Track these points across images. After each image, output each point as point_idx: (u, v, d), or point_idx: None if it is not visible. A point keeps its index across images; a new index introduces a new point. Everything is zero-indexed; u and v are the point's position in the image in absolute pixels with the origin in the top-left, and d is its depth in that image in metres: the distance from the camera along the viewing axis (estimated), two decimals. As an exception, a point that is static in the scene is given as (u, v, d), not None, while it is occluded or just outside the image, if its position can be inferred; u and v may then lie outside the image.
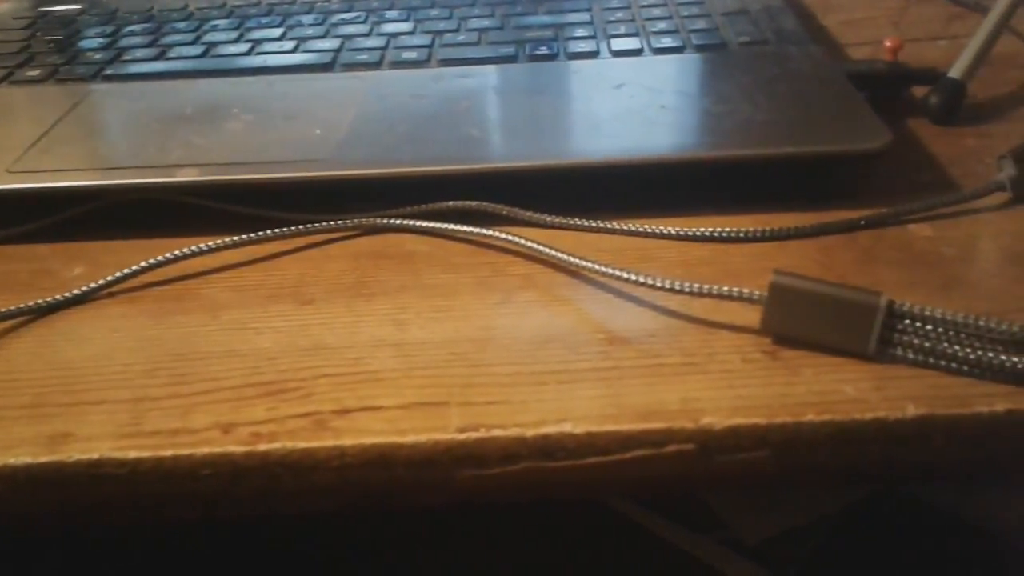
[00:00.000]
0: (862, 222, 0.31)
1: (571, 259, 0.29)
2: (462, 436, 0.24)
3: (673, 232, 0.31)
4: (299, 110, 0.38)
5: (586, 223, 0.32)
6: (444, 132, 0.35)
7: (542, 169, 0.32)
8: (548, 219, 0.33)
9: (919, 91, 0.40)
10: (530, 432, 0.24)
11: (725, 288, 0.26)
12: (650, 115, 0.35)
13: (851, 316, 0.25)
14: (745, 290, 0.26)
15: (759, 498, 0.37)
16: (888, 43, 0.40)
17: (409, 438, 0.24)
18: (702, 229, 0.31)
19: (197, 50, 0.46)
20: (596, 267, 0.29)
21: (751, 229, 0.31)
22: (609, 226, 0.32)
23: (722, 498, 0.38)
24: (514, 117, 0.36)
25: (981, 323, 0.24)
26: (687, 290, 0.27)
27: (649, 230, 0.32)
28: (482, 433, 0.24)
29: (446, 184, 0.33)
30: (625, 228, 0.32)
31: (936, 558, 0.35)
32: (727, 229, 0.31)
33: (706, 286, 0.27)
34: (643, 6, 0.47)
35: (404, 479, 0.24)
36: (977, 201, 0.32)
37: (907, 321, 0.25)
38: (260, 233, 0.32)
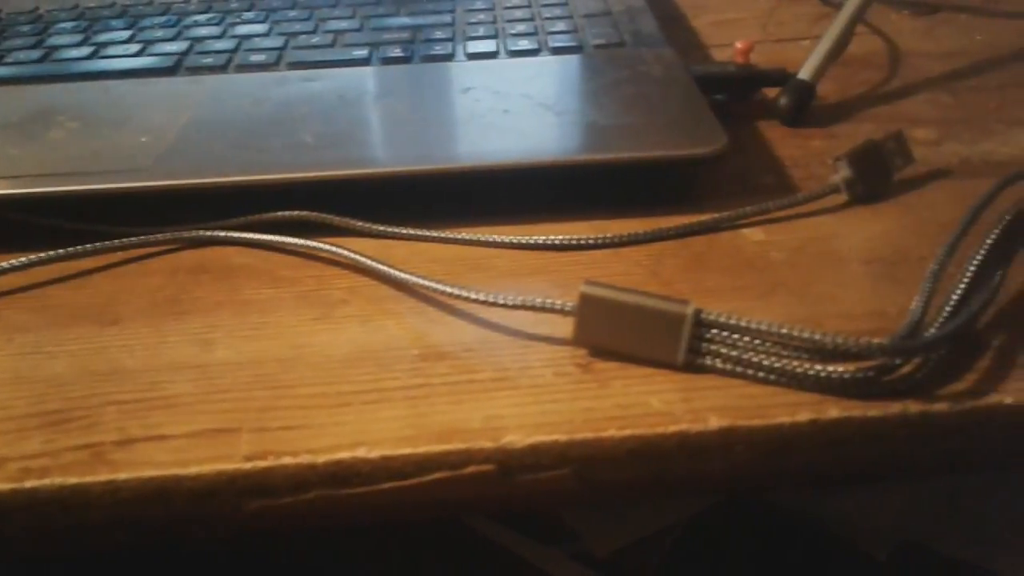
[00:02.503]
0: (695, 227, 0.31)
1: (392, 271, 0.28)
2: (248, 465, 0.22)
3: (505, 241, 0.31)
4: (129, 117, 0.36)
5: (420, 232, 0.31)
6: (276, 139, 0.34)
7: (369, 177, 0.31)
8: (381, 229, 0.31)
9: (774, 93, 0.40)
10: (321, 459, 0.22)
11: (537, 300, 0.26)
12: (492, 120, 0.34)
13: (659, 326, 0.24)
14: (557, 302, 0.25)
15: (609, 508, 0.37)
16: (739, 45, 0.40)
17: (191, 469, 0.22)
18: (534, 238, 0.30)
19: (36, 54, 0.43)
20: (415, 280, 0.28)
21: (583, 237, 0.30)
22: (443, 235, 0.31)
23: (572, 510, 0.37)
24: (352, 123, 0.35)
25: (784, 331, 0.24)
26: (501, 302, 0.26)
27: (482, 239, 0.31)
28: (270, 461, 0.22)
29: (274, 194, 0.32)
30: (458, 237, 0.31)
31: (785, 562, 0.35)
32: (559, 237, 0.30)
33: (519, 298, 0.26)
34: (507, 7, 0.46)
35: (186, 513, 0.22)
36: (814, 203, 0.32)
37: (714, 330, 0.24)
38: (71, 249, 0.30)
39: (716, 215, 0.31)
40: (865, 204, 0.32)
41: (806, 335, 0.23)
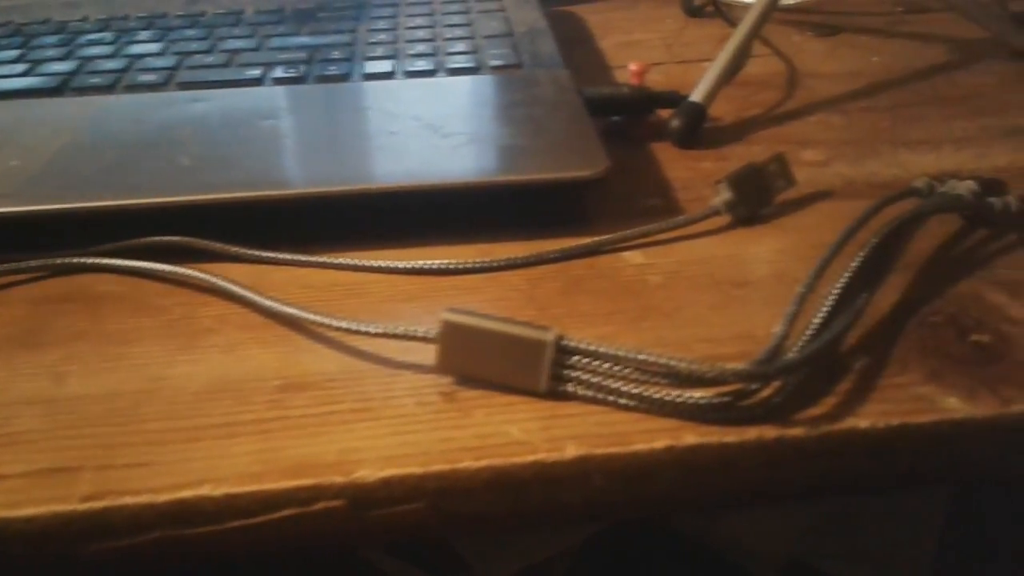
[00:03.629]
0: (575, 251, 0.31)
1: (258, 299, 0.28)
2: (84, 506, 0.21)
3: (382, 266, 0.30)
4: (4, 140, 0.35)
5: (296, 257, 0.31)
6: (152, 161, 0.33)
7: (241, 201, 0.30)
8: (256, 254, 0.31)
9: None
10: (162, 498, 0.22)
11: (400, 328, 0.25)
12: (377, 142, 0.34)
13: (521, 353, 0.24)
14: (420, 329, 0.25)
15: (501, 535, 0.36)
16: (633, 67, 0.40)
17: (25, 511, 0.21)
18: (412, 262, 0.30)
19: (-84, 73, 0.42)
20: (282, 308, 0.27)
21: (460, 261, 0.30)
22: (320, 260, 0.30)
23: (463, 538, 0.37)
24: (233, 145, 0.34)
25: (642, 357, 0.23)
26: (364, 330, 0.25)
27: (359, 264, 0.30)
28: (108, 502, 0.22)
29: (145, 218, 0.31)
30: (335, 262, 0.30)
31: (678, 585, 0.35)
32: (436, 262, 0.30)
33: (382, 326, 0.25)
34: (409, 27, 0.46)
35: (20, 556, 0.21)
36: (696, 226, 0.32)
37: (576, 357, 0.24)
38: (-73, 278, 0.29)
39: (598, 238, 0.31)
40: (747, 226, 0.33)
41: (663, 361, 0.23)
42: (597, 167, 0.32)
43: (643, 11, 0.57)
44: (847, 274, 0.26)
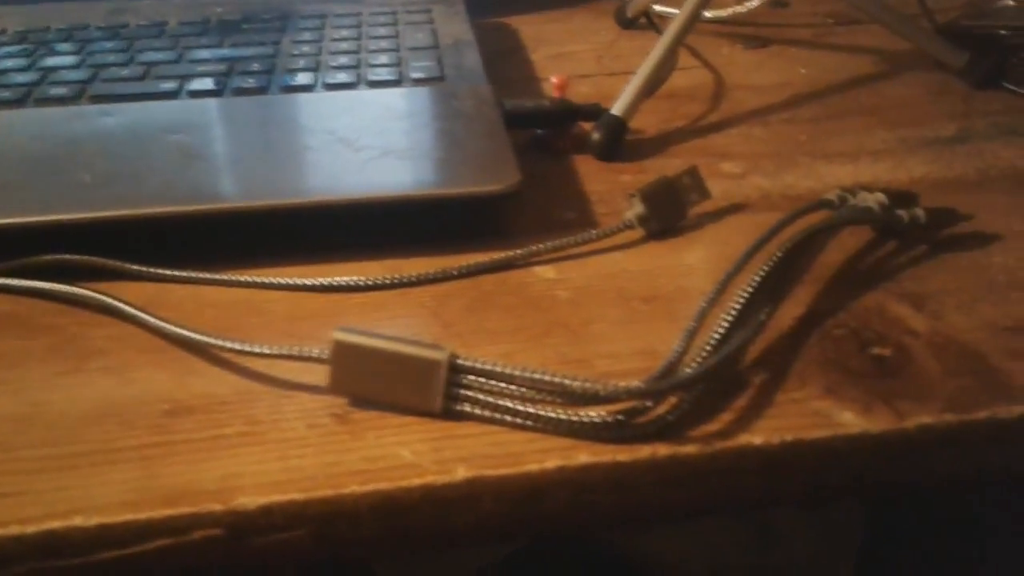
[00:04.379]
0: (485, 266, 0.30)
1: (149, 319, 0.27)
2: (-55, 540, 0.20)
3: (287, 283, 0.29)
4: (-101, 155, 0.34)
5: (197, 275, 0.30)
6: (52, 177, 0.32)
7: (139, 217, 0.30)
8: (156, 272, 0.30)
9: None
10: (31, 529, 0.21)
11: (294, 349, 0.24)
12: (288, 156, 0.33)
13: (415, 373, 0.24)
14: (314, 350, 0.24)
15: (421, 553, 0.35)
16: (555, 80, 0.40)
17: None
18: (317, 279, 0.29)
19: None
20: (172, 329, 0.26)
21: (367, 278, 0.29)
22: (221, 278, 0.30)
23: (381, 558, 0.36)
24: (138, 160, 0.33)
25: (536, 376, 0.23)
26: (256, 351, 0.25)
27: (262, 281, 0.29)
28: (-28, 534, 0.21)
29: (42, 236, 0.30)
30: (238, 280, 0.30)
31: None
32: (342, 279, 0.29)
33: (276, 347, 0.25)
34: (334, 39, 0.46)
35: None
36: (610, 240, 0.32)
37: (471, 376, 0.24)
38: None
39: (509, 253, 0.31)
40: (660, 240, 0.32)
41: (556, 380, 0.23)
42: (508, 182, 0.31)
43: (578, 23, 0.57)
44: (748, 288, 0.26)
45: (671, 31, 0.41)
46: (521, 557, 0.36)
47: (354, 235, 0.32)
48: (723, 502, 0.24)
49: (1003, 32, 0.45)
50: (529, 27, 0.56)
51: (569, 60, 0.51)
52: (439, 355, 0.23)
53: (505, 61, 0.51)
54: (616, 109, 0.39)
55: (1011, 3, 0.52)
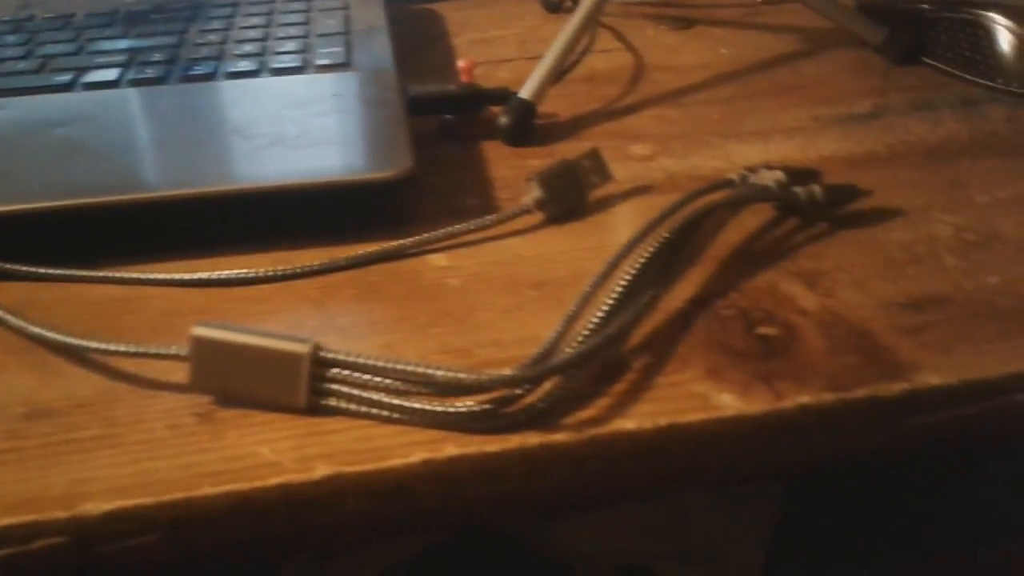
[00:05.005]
0: (375, 256, 0.29)
1: (12, 320, 0.26)
2: None
3: (165, 278, 0.28)
4: None
5: (71, 273, 0.29)
6: (-76, 176, 0.31)
7: (17, 213, 0.28)
8: (27, 270, 0.29)
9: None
10: None
11: (152, 348, 0.24)
12: (175, 147, 0.32)
13: (279, 368, 0.23)
14: (172, 348, 0.23)
15: (331, 550, 0.35)
16: (461, 64, 0.39)
17: None
18: (196, 274, 0.28)
19: None
20: (30, 329, 0.25)
21: (249, 271, 0.28)
22: (97, 275, 0.29)
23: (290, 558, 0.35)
24: (18, 155, 0.32)
25: (400, 367, 0.22)
26: (113, 350, 0.24)
27: (140, 277, 0.28)
28: None
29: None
30: (115, 276, 0.28)
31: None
32: (222, 273, 0.28)
33: (135, 346, 0.24)
34: (243, 27, 0.44)
35: None
36: (509, 225, 0.31)
37: (336, 369, 0.23)
38: None
39: (402, 241, 0.30)
40: (559, 224, 0.32)
41: (421, 370, 0.22)
42: (399, 168, 0.31)
43: (504, 8, 0.56)
44: (632, 271, 0.26)
45: (579, 13, 0.40)
46: (433, 553, 0.35)
47: (243, 227, 0.31)
48: (600, 490, 0.23)
49: (924, 7, 0.44)
50: (456, 13, 0.55)
51: (491, 45, 0.50)
52: (301, 348, 0.23)
53: (427, 47, 0.50)
54: (524, 93, 0.38)
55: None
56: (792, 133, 0.38)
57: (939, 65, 0.44)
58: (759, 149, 0.37)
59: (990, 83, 0.41)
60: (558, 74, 0.39)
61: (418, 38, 0.51)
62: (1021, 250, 0.29)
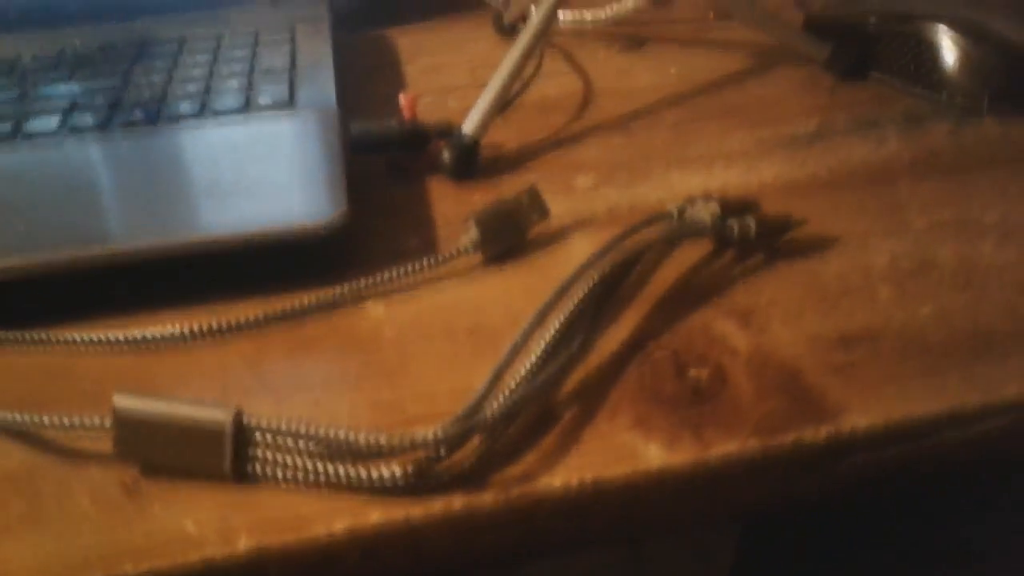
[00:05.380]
0: (311, 307, 0.29)
1: (-63, 393, 0.26)
2: None
3: (97, 339, 0.28)
4: None
5: (2, 336, 0.28)
6: None
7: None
8: (-40, 337, 0.28)
9: (450, 144, 0.39)
10: None
11: (77, 419, 0.23)
12: (101, 203, 0.32)
13: (203, 436, 0.23)
14: (95, 418, 0.23)
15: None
16: (403, 100, 0.39)
17: None
18: (130, 334, 0.28)
19: None
20: (-39, 401, 0.25)
21: (181, 329, 0.28)
22: (30, 337, 0.28)
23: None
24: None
25: (322, 432, 0.22)
26: (38, 423, 0.24)
27: (72, 339, 0.28)
28: None
29: None
30: (45, 339, 0.28)
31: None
32: (154, 331, 0.28)
33: (58, 417, 0.24)
34: (188, 66, 0.44)
35: None
36: (446, 267, 0.31)
37: (259, 435, 0.23)
38: None
39: (338, 290, 0.30)
40: (498, 264, 0.32)
41: (342, 435, 0.22)
42: (335, 216, 0.30)
43: (456, 32, 0.55)
44: (563, 318, 0.26)
45: (521, 42, 0.40)
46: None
47: (178, 281, 0.30)
48: (530, 547, 0.23)
49: (868, 21, 0.44)
50: (407, 39, 0.55)
51: (442, 72, 0.50)
52: (224, 417, 0.22)
53: (376, 76, 0.49)
54: (466, 127, 0.38)
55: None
56: (735, 158, 0.38)
57: (885, 79, 0.44)
58: (702, 177, 0.37)
59: (935, 97, 0.41)
60: (503, 104, 0.39)
61: (368, 66, 0.51)
62: (955, 277, 0.29)
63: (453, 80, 0.48)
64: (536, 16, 0.41)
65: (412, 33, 0.56)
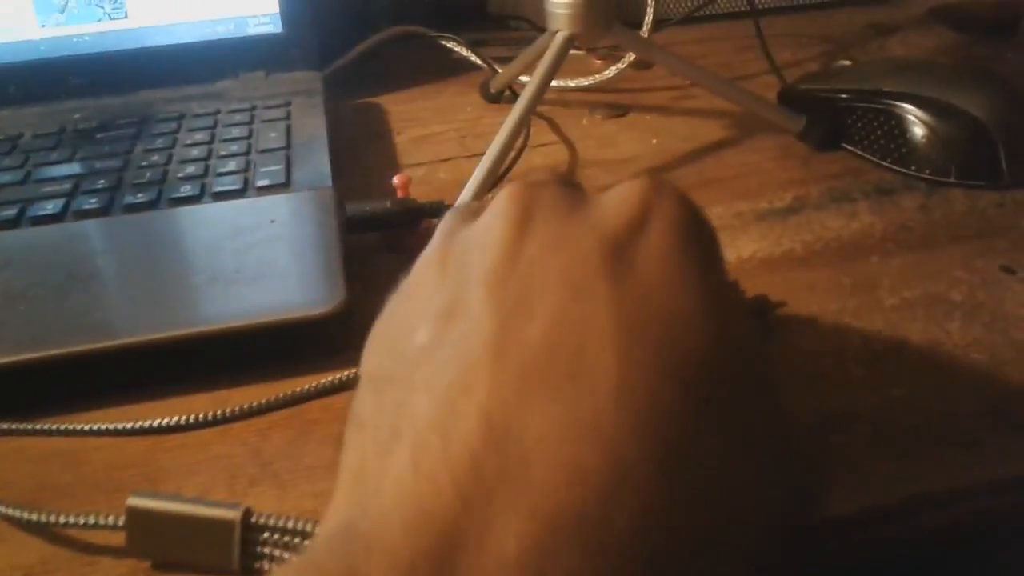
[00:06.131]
0: (309, 393, 0.31)
1: (-47, 490, 0.27)
2: None
3: (105, 428, 0.29)
4: None
5: (14, 426, 0.30)
6: None
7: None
8: (-27, 428, 0.30)
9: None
10: None
11: (91, 518, 0.24)
12: (118, 292, 0.33)
13: (211, 533, 0.24)
14: (110, 517, 0.24)
15: None
16: (396, 181, 0.41)
17: None
18: (138, 422, 0.29)
19: None
20: (-24, 498, 0.26)
21: (187, 417, 0.29)
22: (40, 427, 0.29)
23: None
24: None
25: (327, 531, 0.23)
26: (51, 521, 0.25)
27: (81, 428, 0.29)
28: None
29: None
30: (55, 429, 0.29)
31: None
32: (162, 420, 0.29)
33: (73, 515, 0.25)
34: (186, 145, 0.45)
35: None
36: (443, 349, 0.33)
37: (266, 533, 0.24)
38: None
39: (338, 375, 0.31)
40: (490, 346, 0.33)
41: (346, 533, 0.23)
42: (333, 303, 0.32)
43: (446, 98, 0.57)
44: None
45: (511, 118, 0.42)
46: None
47: (183, 370, 0.32)
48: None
49: (840, 96, 0.46)
50: (398, 106, 0.57)
51: (433, 143, 0.51)
52: (232, 515, 0.24)
53: (369, 147, 0.51)
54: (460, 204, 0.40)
55: (847, 63, 0.54)
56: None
57: (857, 151, 0.46)
58: (684, 252, 0.38)
59: (904, 170, 0.43)
60: (495, 179, 0.41)
61: (361, 136, 0.52)
62: (925, 358, 0.31)
63: (443, 150, 0.50)
64: (526, 92, 0.43)
65: (402, 100, 0.58)
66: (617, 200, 0.21)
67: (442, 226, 0.24)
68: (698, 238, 0.21)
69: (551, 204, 0.22)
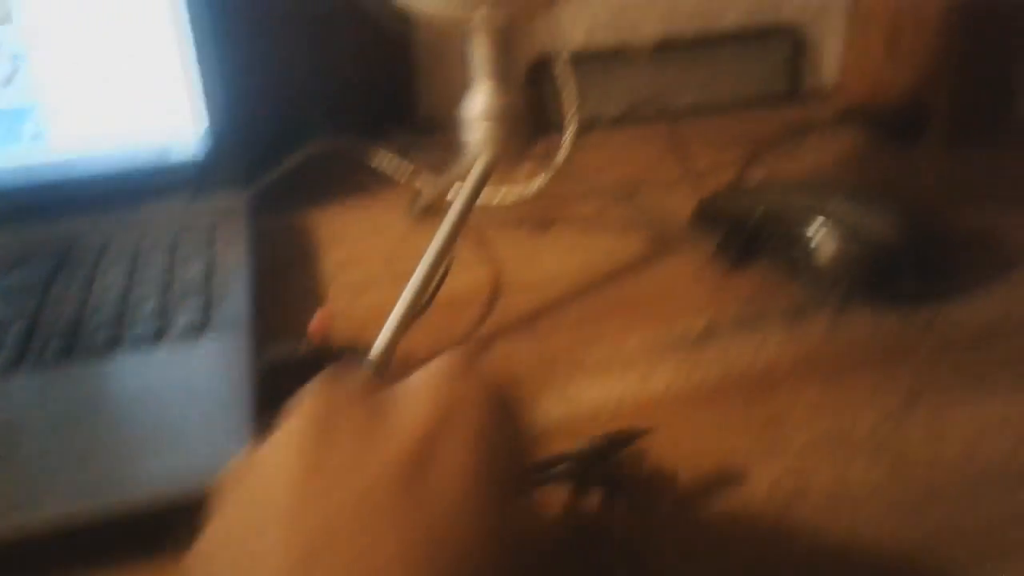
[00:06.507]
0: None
1: None
2: None
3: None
4: None
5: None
6: None
7: None
8: None
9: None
10: None
11: None
12: (13, 468, 0.33)
13: None
14: None
15: None
16: (312, 324, 0.40)
17: None
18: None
19: None
20: None
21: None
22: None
23: None
24: None
25: None
26: None
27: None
28: None
29: None
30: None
31: None
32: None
33: None
34: (104, 283, 0.45)
35: None
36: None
37: None
38: None
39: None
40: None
41: None
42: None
43: (375, 213, 0.57)
44: None
45: (433, 248, 0.43)
46: None
47: (88, 549, 0.31)
48: None
49: (754, 212, 0.48)
50: (324, 225, 0.56)
51: (357, 266, 0.51)
52: None
53: (293, 272, 0.51)
54: (375, 349, 0.40)
55: (763, 180, 0.56)
56: (630, 364, 0.40)
57: (769, 269, 0.47)
58: (600, 388, 0.39)
59: (814, 287, 0.45)
60: (417, 313, 0.41)
61: (285, 258, 0.52)
62: (831, 499, 0.31)
63: (368, 273, 0.50)
64: (448, 219, 0.43)
65: (330, 216, 0.58)
66: (417, 405, 0.23)
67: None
68: (496, 444, 0.23)
69: (347, 421, 0.23)
